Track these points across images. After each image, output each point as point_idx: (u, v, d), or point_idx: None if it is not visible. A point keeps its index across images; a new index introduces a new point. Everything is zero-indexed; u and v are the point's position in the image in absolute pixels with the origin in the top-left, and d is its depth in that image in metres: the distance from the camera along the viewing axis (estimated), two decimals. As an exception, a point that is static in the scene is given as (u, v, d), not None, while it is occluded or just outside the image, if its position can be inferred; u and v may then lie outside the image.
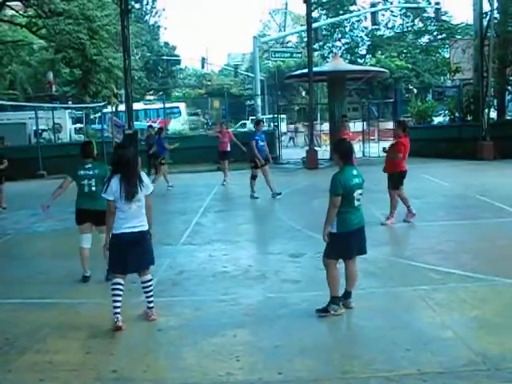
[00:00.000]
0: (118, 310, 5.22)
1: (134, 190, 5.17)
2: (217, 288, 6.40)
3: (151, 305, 5.48)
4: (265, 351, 4.62)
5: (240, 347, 4.71)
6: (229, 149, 16.15)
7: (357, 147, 24.36)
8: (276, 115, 24.34)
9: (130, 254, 5.24)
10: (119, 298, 5.24)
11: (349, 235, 5.26)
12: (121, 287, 5.28)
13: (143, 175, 5.41)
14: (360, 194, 5.30)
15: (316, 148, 21.53)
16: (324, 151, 23.45)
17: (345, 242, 5.28)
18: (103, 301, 5.99)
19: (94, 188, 6.57)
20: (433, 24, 51.36)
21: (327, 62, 41.12)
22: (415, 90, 37.36)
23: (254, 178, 12.91)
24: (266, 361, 4.44)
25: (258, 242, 8.78)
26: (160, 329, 5.25)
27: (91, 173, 6.68)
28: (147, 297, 5.48)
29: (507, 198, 10.99)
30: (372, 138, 25.71)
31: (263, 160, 12.77)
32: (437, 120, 25.64)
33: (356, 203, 5.27)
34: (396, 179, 9.29)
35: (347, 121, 15.50)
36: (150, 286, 5.47)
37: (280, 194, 12.71)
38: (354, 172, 5.33)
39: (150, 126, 21.77)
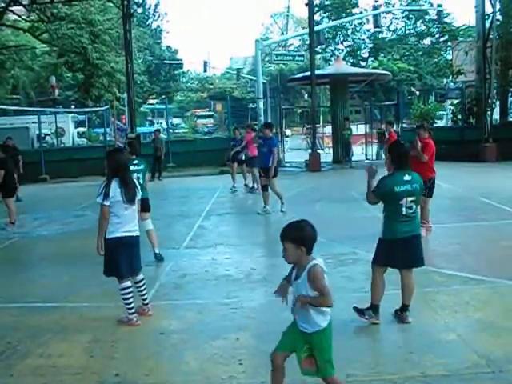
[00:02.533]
0: (134, 310, 5.42)
1: (135, 192, 5.41)
2: (219, 291, 6.39)
3: (146, 301, 5.65)
4: (268, 354, 4.58)
5: (243, 350, 4.70)
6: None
7: (359, 150, 24.50)
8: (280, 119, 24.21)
9: (125, 258, 5.35)
10: (132, 300, 5.40)
11: (394, 243, 5.01)
12: (131, 289, 5.42)
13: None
14: (412, 202, 4.99)
15: (319, 151, 21.51)
16: (327, 154, 23.43)
17: (389, 250, 5.05)
18: (106, 304, 6.00)
19: (141, 181, 7.09)
20: (435, 26, 51.40)
21: (329, 64, 41.16)
22: (417, 93, 37.36)
23: (262, 188, 11.50)
24: (269, 364, 4.41)
25: (261, 245, 8.76)
26: (162, 332, 5.24)
27: (138, 168, 7.40)
28: (142, 295, 5.62)
29: (510, 199, 10.97)
30: (375, 140, 25.70)
31: (260, 170, 11.37)
32: (439, 122, 25.63)
33: (405, 211, 4.97)
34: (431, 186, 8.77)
35: (391, 123, 14.65)
36: (144, 284, 5.64)
37: (266, 211, 11.20)
38: (406, 177, 4.99)
39: (158, 130, 21.80)
